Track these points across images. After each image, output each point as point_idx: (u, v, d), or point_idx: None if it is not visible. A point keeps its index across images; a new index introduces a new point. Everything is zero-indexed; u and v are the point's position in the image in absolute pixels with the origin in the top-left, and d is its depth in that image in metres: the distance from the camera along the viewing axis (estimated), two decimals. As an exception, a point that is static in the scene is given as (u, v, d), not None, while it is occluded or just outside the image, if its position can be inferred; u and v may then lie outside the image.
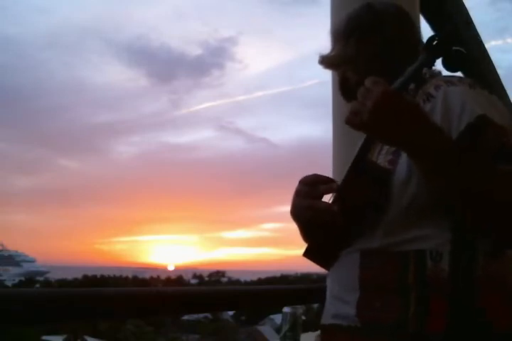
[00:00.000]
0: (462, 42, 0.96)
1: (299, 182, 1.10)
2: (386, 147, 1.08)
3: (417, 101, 1.05)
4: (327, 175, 1.10)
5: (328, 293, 1.14)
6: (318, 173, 1.10)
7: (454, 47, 0.94)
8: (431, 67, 0.98)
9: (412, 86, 0.98)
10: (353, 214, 1.05)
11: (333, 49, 1.23)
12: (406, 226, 1.01)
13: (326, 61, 1.24)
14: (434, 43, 0.95)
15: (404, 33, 1.18)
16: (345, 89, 1.23)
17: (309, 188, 1.07)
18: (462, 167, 0.91)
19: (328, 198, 1.08)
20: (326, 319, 1.12)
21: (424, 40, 1.22)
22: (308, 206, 1.07)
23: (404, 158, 1.02)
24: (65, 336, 31.99)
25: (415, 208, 1.00)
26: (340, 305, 1.07)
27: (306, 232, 1.18)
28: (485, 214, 0.93)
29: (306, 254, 1.13)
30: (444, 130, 0.95)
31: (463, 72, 1.17)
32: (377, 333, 0.99)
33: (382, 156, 1.08)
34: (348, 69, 1.20)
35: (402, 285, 0.98)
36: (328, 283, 1.15)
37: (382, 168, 1.06)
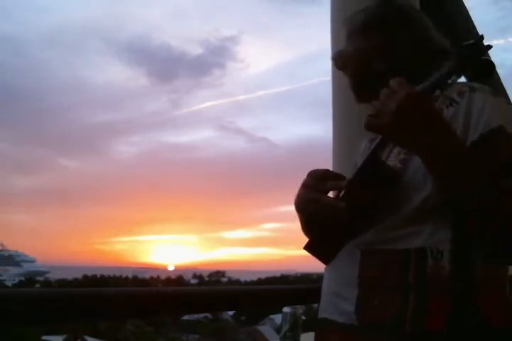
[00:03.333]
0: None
1: (308, 174, 1.10)
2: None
3: (438, 106, 1.05)
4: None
5: (325, 288, 1.14)
6: (328, 169, 1.10)
7: (483, 57, 0.93)
8: (459, 76, 0.97)
9: (437, 92, 0.97)
10: (358, 212, 1.05)
11: (349, 44, 1.20)
12: (408, 224, 1.01)
13: (344, 55, 1.20)
14: (464, 52, 0.94)
15: (424, 28, 1.17)
16: (359, 86, 1.20)
17: (317, 182, 1.07)
18: (468, 176, 0.92)
19: (332, 194, 1.08)
20: (322, 313, 1.12)
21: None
22: (314, 199, 1.06)
23: (418, 158, 1.02)
24: (65, 336, 31.97)
25: (423, 208, 1.00)
26: (338, 301, 1.07)
27: (307, 225, 1.18)
28: (484, 223, 0.95)
29: (307, 248, 1.13)
30: (460, 138, 0.96)
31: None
32: (375, 332, 0.99)
33: (394, 155, 1.09)
34: (376, 60, 1.15)
35: (402, 283, 0.98)
36: (326, 278, 1.15)
37: (391, 169, 1.06)
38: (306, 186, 1.09)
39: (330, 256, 1.12)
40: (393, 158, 1.08)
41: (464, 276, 0.97)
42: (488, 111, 1.00)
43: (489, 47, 0.95)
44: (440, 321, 0.94)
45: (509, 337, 0.97)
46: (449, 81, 0.96)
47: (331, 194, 1.08)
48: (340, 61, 1.23)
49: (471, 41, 0.94)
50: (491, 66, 0.93)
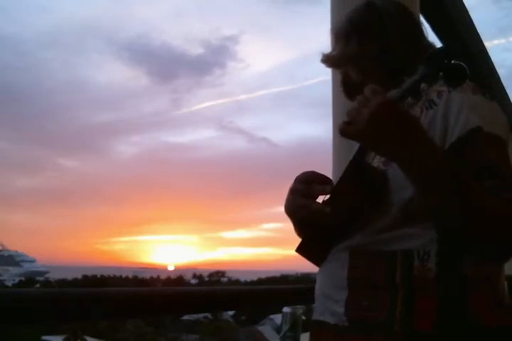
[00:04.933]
0: (468, 55, 0.94)
1: (295, 179, 1.10)
2: None
3: (420, 108, 1.05)
4: (324, 174, 1.10)
5: (317, 291, 1.15)
6: (316, 171, 1.10)
7: (453, 61, 0.91)
8: (430, 83, 0.95)
9: (409, 100, 0.97)
10: (345, 214, 1.06)
11: (334, 48, 1.22)
12: (395, 226, 1.01)
13: (328, 60, 1.23)
14: (433, 58, 0.92)
15: (407, 31, 1.17)
16: (347, 87, 1.23)
17: (304, 186, 1.07)
18: (446, 182, 0.91)
19: (321, 197, 1.09)
20: (316, 315, 1.13)
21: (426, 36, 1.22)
22: (302, 205, 1.07)
23: None
24: (65, 336, 31.99)
25: (409, 210, 1.01)
26: (329, 303, 1.08)
27: (299, 228, 1.19)
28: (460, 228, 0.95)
29: (299, 250, 1.13)
30: (436, 144, 0.96)
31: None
32: (364, 331, 1.00)
33: (377, 156, 1.09)
34: (350, 69, 1.19)
35: (390, 284, 0.99)
36: (318, 280, 1.16)
37: (377, 171, 1.06)
38: (294, 191, 1.10)
39: (321, 258, 1.13)
40: (377, 159, 1.09)
41: (451, 277, 0.97)
42: (465, 111, 1.00)
43: (459, 51, 0.94)
44: (428, 322, 0.95)
45: (499, 337, 0.97)
46: (421, 87, 0.94)
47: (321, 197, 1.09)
48: (328, 64, 1.25)
49: (443, 46, 0.93)
50: (463, 72, 0.91)
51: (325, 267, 1.13)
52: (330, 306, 1.07)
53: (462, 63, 0.91)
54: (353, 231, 1.06)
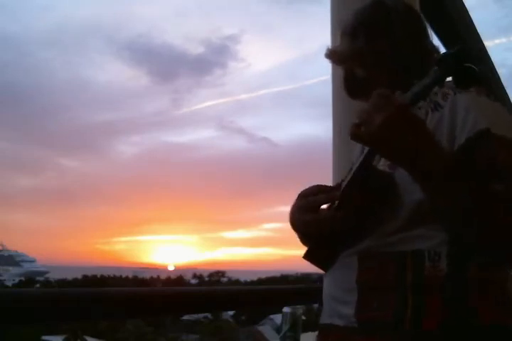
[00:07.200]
0: (474, 59, 0.93)
1: (298, 195, 1.11)
2: None
3: (425, 110, 1.05)
4: (326, 184, 1.11)
5: (325, 294, 1.15)
6: (319, 184, 1.11)
7: (465, 64, 0.89)
8: (441, 86, 0.95)
9: (421, 103, 0.96)
10: (353, 220, 1.06)
11: (340, 43, 1.22)
12: (405, 228, 1.01)
13: (333, 55, 1.23)
14: (445, 61, 0.90)
15: (412, 29, 1.17)
16: (349, 84, 1.22)
17: (310, 198, 1.08)
18: (454, 186, 0.91)
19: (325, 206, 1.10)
20: (324, 319, 1.13)
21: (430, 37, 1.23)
22: (312, 220, 1.08)
23: None
24: (65, 336, 31.98)
25: (419, 211, 1.00)
26: (338, 305, 1.08)
27: (305, 240, 1.19)
28: (469, 233, 0.94)
29: (306, 257, 1.14)
30: (445, 148, 0.95)
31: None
32: (373, 331, 1.00)
33: (383, 159, 1.09)
34: (356, 65, 1.18)
35: (400, 284, 0.99)
36: (326, 284, 1.16)
37: (384, 173, 1.06)
38: (298, 208, 1.11)
39: (329, 264, 1.13)
40: (382, 162, 1.09)
41: (461, 278, 0.97)
42: (473, 113, 0.99)
43: (470, 54, 0.93)
44: (434, 322, 0.95)
45: (499, 337, 0.97)
46: (434, 91, 0.94)
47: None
48: (333, 59, 1.25)
49: (453, 50, 0.92)
50: (474, 74, 0.90)
51: (333, 271, 1.13)
52: (339, 309, 1.07)
53: (473, 66, 0.90)
54: (362, 236, 1.06)
